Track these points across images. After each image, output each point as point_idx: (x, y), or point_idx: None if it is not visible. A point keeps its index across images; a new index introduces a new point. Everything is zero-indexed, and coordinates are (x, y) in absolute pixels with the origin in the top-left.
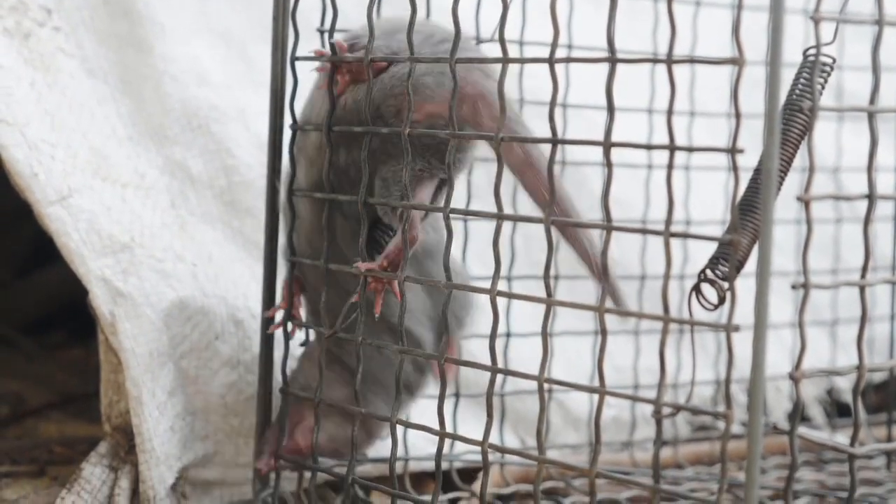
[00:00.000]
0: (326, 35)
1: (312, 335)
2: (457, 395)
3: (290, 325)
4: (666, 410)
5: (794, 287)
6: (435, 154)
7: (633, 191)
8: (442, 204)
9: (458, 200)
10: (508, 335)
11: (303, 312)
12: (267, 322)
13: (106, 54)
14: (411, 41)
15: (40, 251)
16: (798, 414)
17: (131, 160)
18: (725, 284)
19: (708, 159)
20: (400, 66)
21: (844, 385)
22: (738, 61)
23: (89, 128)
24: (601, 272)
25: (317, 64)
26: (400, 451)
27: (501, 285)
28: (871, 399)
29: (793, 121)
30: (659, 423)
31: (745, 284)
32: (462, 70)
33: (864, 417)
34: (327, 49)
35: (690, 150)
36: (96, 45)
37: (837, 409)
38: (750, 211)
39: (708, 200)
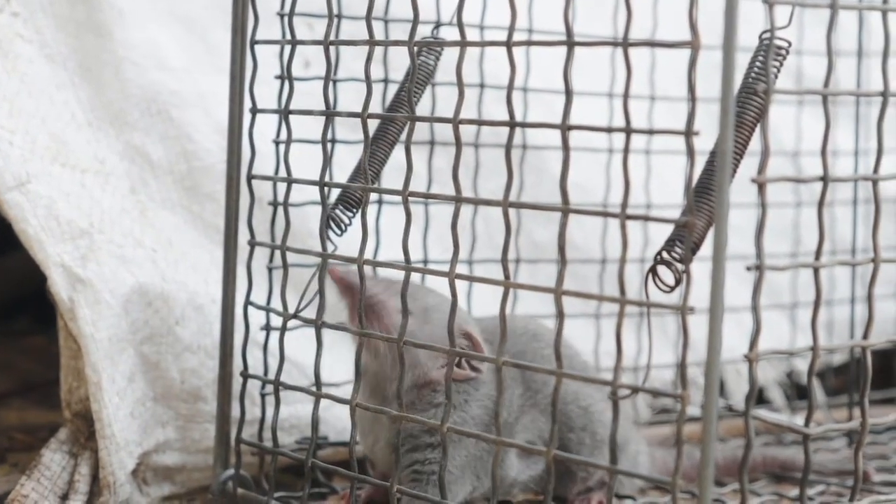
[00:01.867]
0: (286, 19)
1: (274, 320)
2: None
3: (250, 309)
4: (623, 391)
5: (748, 269)
6: None
7: (593, 175)
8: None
9: (418, 184)
10: None
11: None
12: (226, 306)
13: (65, 40)
14: (371, 27)
15: (4, 238)
16: (753, 395)
17: (91, 146)
18: (681, 266)
19: (668, 143)
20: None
21: (804, 367)
22: (693, 45)
23: (48, 113)
24: None
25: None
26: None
27: (463, 268)
28: (831, 382)
29: (748, 104)
30: (615, 404)
31: (704, 267)
32: None
33: (822, 399)
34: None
35: (646, 132)
36: (55, 31)
37: (797, 392)
38: (706, 193)
39: (669, 184)
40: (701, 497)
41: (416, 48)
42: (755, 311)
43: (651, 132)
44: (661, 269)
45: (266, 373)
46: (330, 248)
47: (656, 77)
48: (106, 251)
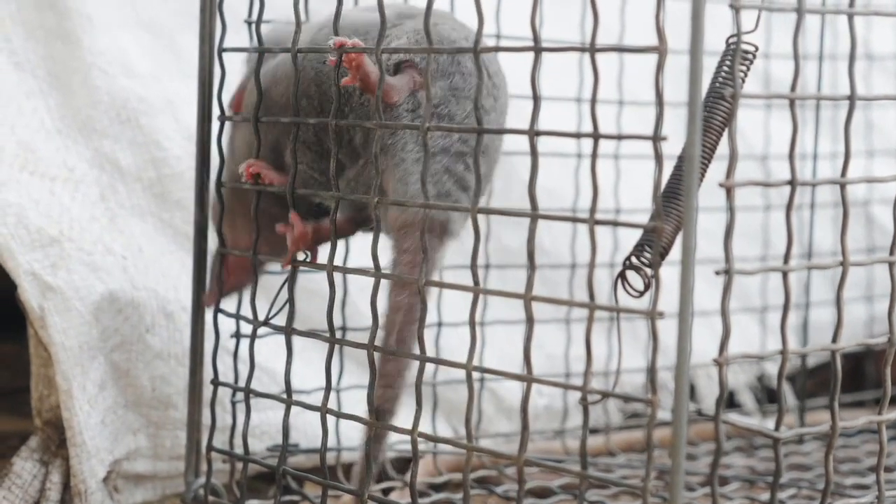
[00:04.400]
0: (253, 26)
1: (244, 327)
2: None
3: (220, 316)
4: (593, 397)
5: (717, 273)
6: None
7: (563, 180)
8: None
9: None
10: (440, 324)
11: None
12: (196, 314)
13: (34, 47)
14: (337, 31)
15: None
16: (723, 399)
17: (60, 153)
18: (650, 271)
19: (637, 147)
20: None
21: (775, 371)
22: (660, 49)
23: (17, 121)
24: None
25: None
26: (332, 442)
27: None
28: (802, 385)
29: (716, 108)
30: (586, 409)
31: (673, 272)
32: None
33: (792, 402)
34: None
35: (613, 137)
36: (24, 39)
37: (768, 396)
38: (674, 198)
39: (638, 188)
40: (671, 501)
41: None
42: (724, 315)
43: (619, 137)
44: (631, 274)
45: (236, 380)
46: (300, 255)
47: (625, 81)
48: (76, 259)
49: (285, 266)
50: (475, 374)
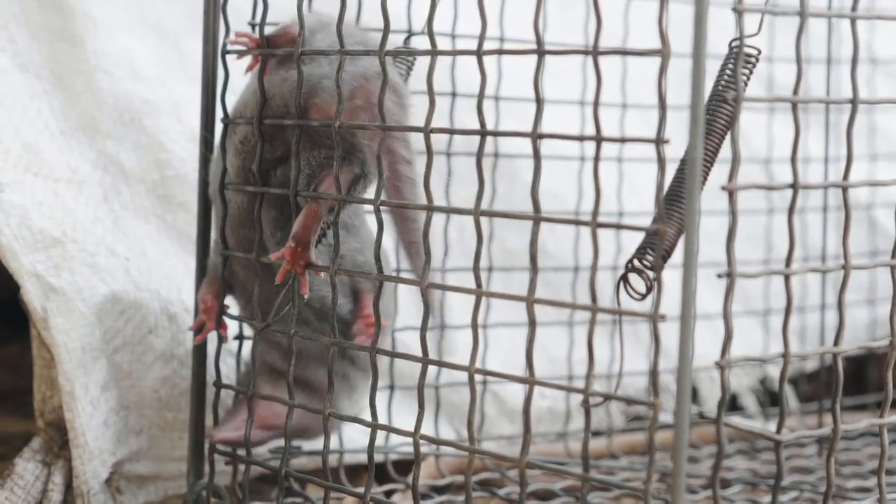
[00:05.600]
0: (257, 29)
1: (246, 329)
2: (391, 387)
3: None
4: (595, 399)
5: (719, 276)
6: (348, 148)
7: (566, 183)
8: (363, 194)
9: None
10: (443, 327)
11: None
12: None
13: (38, 49)
14: (342, 35)
15: None
16: (724, 402)
17: (64, 155)
18: (652, 274)
19: (641, 151)
20: (312, 66)
21: (777, 374)
22: (663, 53)
23: (21, 123)
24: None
25: (246, 55)
26: (335, 444)
27: (436, 277)
28: (803, 388)
29: (718, 111)
30: (588, 412)
31: (675, 275)
32: (363, 79)
33: (794, 405)
34: (254, 34)
35: (616, 140)
36: (28, 40)
37: (770, 399)
38: (677, 201)
39: (641, 191)
40: None
41: (387, 57)
42: (726, 318)
43: (622, 140)
44: (633, 277)
45: (239, 382)
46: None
47: (628, 85)
48: (79, 260)
49: (279, 281)
50: (478, 377)
